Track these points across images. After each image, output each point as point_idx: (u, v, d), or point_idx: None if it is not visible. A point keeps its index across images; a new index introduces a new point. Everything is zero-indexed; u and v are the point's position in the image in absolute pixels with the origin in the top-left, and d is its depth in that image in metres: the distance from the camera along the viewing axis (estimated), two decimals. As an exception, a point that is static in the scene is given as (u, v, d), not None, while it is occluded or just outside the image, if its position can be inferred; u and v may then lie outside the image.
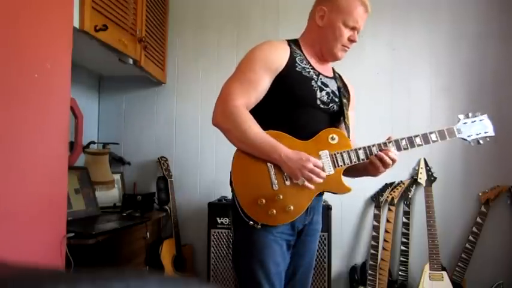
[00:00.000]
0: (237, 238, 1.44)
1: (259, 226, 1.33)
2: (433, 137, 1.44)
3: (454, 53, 2.75)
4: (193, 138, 2.86)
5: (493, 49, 2.72)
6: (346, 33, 1.44)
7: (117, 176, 2.73)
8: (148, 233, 2.36)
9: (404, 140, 1.42)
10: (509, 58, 2.71)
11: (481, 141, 1.51)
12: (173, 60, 2.88)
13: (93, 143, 2.69)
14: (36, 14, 1.33)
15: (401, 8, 2.79)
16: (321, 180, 1.33)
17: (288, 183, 1.34)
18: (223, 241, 2.45)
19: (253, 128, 1.32)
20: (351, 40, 1.45)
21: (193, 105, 2.85)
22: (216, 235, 2.45)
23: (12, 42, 1.22)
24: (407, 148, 1.42)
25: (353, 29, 1.44)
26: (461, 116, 1.50)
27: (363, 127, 2.78)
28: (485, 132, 1.50)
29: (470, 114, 1.50)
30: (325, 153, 1.37)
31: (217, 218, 2.45)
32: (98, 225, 2.00)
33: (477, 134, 1.49)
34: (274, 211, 1.32)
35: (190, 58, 2.89)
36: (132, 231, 2.22)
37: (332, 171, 1.37)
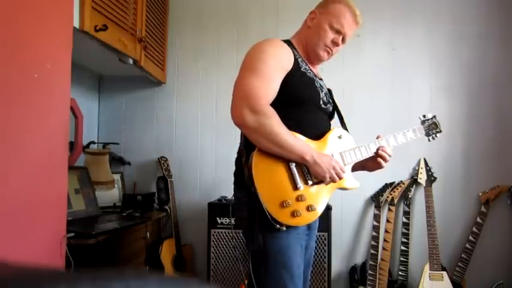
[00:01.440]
0: (258, 243, 1.37)
1: (284, 228, 1.31)
2: (410, 134, 1.63)
3: (454, 54, 2.75)
4: (193, 138, 2.86)
5: (493, 50, 2.72)
6: (330, 35, 1.48)
7: (117, 176, 2.73)
8: (148, 233, 2.36)
9: (392, 138, 1.58)
10: (509, 59, 2.70)
11: (434, 137, 1.74)
12: (173, 60, 2.88)
13: (93, 143, 2.69)
14: (36, 14, 1.33)
15: (401, 8, 2.79)
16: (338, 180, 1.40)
17: (310, 182, 1.35)
18: (223, 241, 2.45)
19: (283, 128, 1.31)
20: (334, 43, 1.49)
21: (193, 105, 2.85)
22: (216, 235, 2.45)
23: (12, 42, 1.22)
24: (394, 144, 1.58)
25: (338, 32, 1.48)
26: (421, 117, 1.75)
27: (363, 127, 2.78)
28: (437, 129, 1.75)
29: (426, 116, 1.74)
30: (337, 153, 1.44)
31: (217, 218, 2.45)
32: (98, 225, 2.00)
33: (432, 132, 1.74)
34: (300, 211, 1.32)
35: (190, 58, 2.89)
36: (132, 231, 2.22)
37: (345, 170, 1.43)
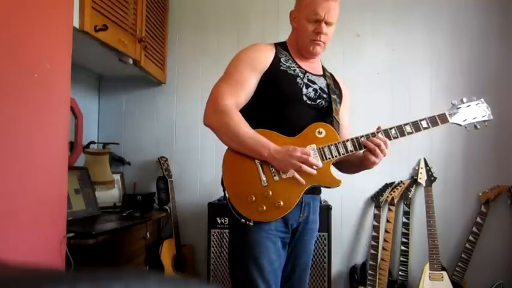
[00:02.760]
0: (231, 237, 1.47)
1: (251, 223, 1.34)
2: (424, 124, 1.43)
3: (454, 52, 2.75)
4: (193, 138, 2.86)
5: (493, 50, 2.72)
6: (310, 27, 1.46)
7: (117, 176, 2.73)
8: (148, 233, 2.36)
9: (394, 129, 1.43)
10: (509, 59, 2.70)
11: (478, 126, 1.49)
12: (173, 60, 2.88)
13: (93, 143, 2.69)
14: (36, 14, 1.33)
15: (401, 8, 2.79)
16: (312, 171, 1.32)
17: (276, 178, 1.36)
18: (223, 241, 2.45)
19: (243, 126, 1.36)
20: (317, 33, 1.44)
21: (193, 105, 2.85)
22: (216, 235, 2.45)
23: (13, 42, 1.22)
24: (397, 137, 1.42)
25: (317, 22, 1.43)
26: (454, 102, 1.48)
27: (363, 127, 2.76)
28: (483, 116, 1.48)
29: (465, 99, 1.49)
30: (312, 148, 1.39)
31: (217, 218, 2.45)
32: (98, 225, 2.00)
33: (473, 118, 1.47)
34: (265, 207, 1.34)
35: (190, 58, 2.89)
36: (132, 231, 2.22)
37: (320, 165, 1.37)
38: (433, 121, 1.44)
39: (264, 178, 1.36)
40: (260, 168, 1.36)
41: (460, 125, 1.47)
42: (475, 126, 1.48)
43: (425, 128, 1.43)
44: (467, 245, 2.57)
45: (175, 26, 2.89)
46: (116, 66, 2.37)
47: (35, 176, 1.33)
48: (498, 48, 2.72)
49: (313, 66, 1.56)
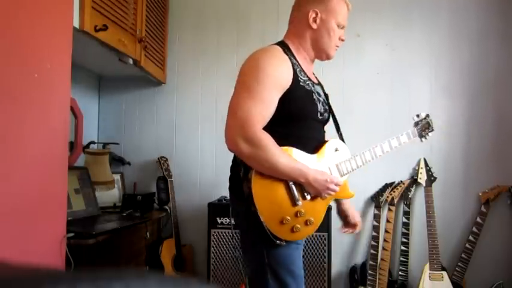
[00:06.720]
0: (258, 255, 1.40)
1: (284, 243, 1.35)
2: (403, 138, 1.62)
3: (454, 53, 2.75)
4: (193, 138, 2.86)
5: (493, 50, 2.71)
6: (338, 33, 1.50)
7: (117, 176, 2.73)
8: (148, 233, 2.36)
9: (386, 143, 1.58)
10: (509, 59, 2.70)
11: (427, 137, 1.73)
12: (173, 60, 2.88)
13: (93, 143, 2.69)
14: (36, 14, 1.33)
15: (401, 8, 2.79)
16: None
17: (308, 197, 1.38)
18: (223, 241, 2.45)
19: (278, 153, 1.30)
20: (341, 39, 1.53)
21: (193, 105, 2.85)
22: (216, 235, 2.45)
23: (13, 42, 1.22)
24: (388, 150, 1.58)
25: (342, 28, 1.52)
26: (415, 117, 1.73)
27: (363, 127, 2.77)
28: (429, 129, 1.73)
29: (419, 115, 1.72)
30: (333, 166, 1.46)
31: (217, 218, 2.45)
32: (98, 225, 2.00)
33: (424, 133, 1.72)
34: (299, 226, 1.35)
35: (190, 58, 2.89)
36: (132, 231, 2.22)
37: (341, 183, 1.44)
38: (409, 136, 1.65)
39: (298, 198, 1.35)
40: (294, 188, 1.35)
41: (420, 137, 1.71)
42: (425, 137, 1.72)
43: (405, 142, 1.62)
44: (467, 245, 2.57)
45: (176, 25, 2.89)
46: (116, 66, 2.37)
47: (35, 176, 1.33)
48: (497, 48, 2.71)
49: (311, 72, 1.54)
